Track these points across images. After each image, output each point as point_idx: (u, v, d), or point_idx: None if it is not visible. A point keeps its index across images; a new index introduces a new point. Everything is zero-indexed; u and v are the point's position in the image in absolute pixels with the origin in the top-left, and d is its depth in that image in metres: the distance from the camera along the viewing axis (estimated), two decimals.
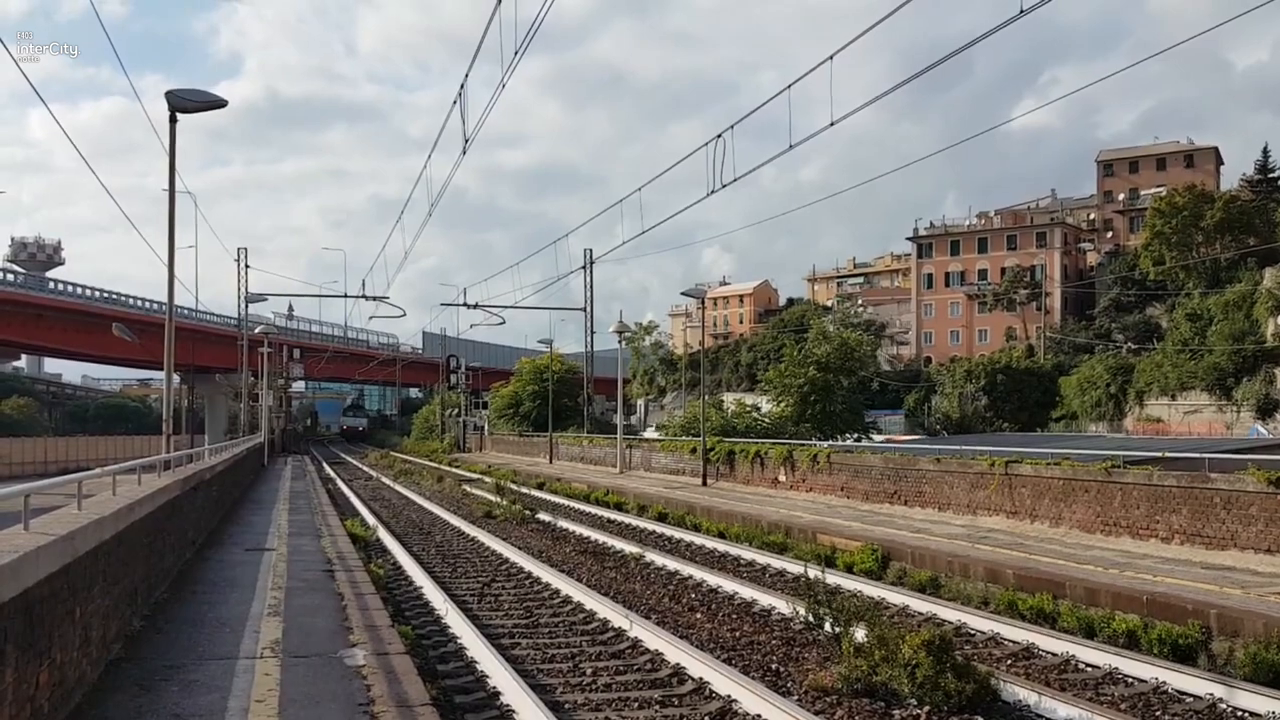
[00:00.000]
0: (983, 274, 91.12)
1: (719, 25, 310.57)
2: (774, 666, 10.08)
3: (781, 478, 27.40)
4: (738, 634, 11.62)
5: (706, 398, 39.04)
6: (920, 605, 13.02)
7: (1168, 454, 19.42)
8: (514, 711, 8.46)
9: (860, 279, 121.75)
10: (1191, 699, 8.98)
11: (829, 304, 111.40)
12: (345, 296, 53.79)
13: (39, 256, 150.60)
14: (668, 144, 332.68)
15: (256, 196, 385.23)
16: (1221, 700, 8.79)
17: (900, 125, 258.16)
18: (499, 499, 27.46)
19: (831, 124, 16.18)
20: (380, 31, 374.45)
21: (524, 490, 33.01)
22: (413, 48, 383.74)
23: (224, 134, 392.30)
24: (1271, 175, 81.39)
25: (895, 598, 13.52)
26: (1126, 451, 19.21)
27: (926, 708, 8.34)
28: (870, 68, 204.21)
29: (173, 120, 16.62)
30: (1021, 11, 12.46)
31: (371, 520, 24.15)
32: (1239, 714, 8.56)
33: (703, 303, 37.97)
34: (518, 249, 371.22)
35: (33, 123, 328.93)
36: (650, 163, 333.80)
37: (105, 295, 75.68)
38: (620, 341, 43.96)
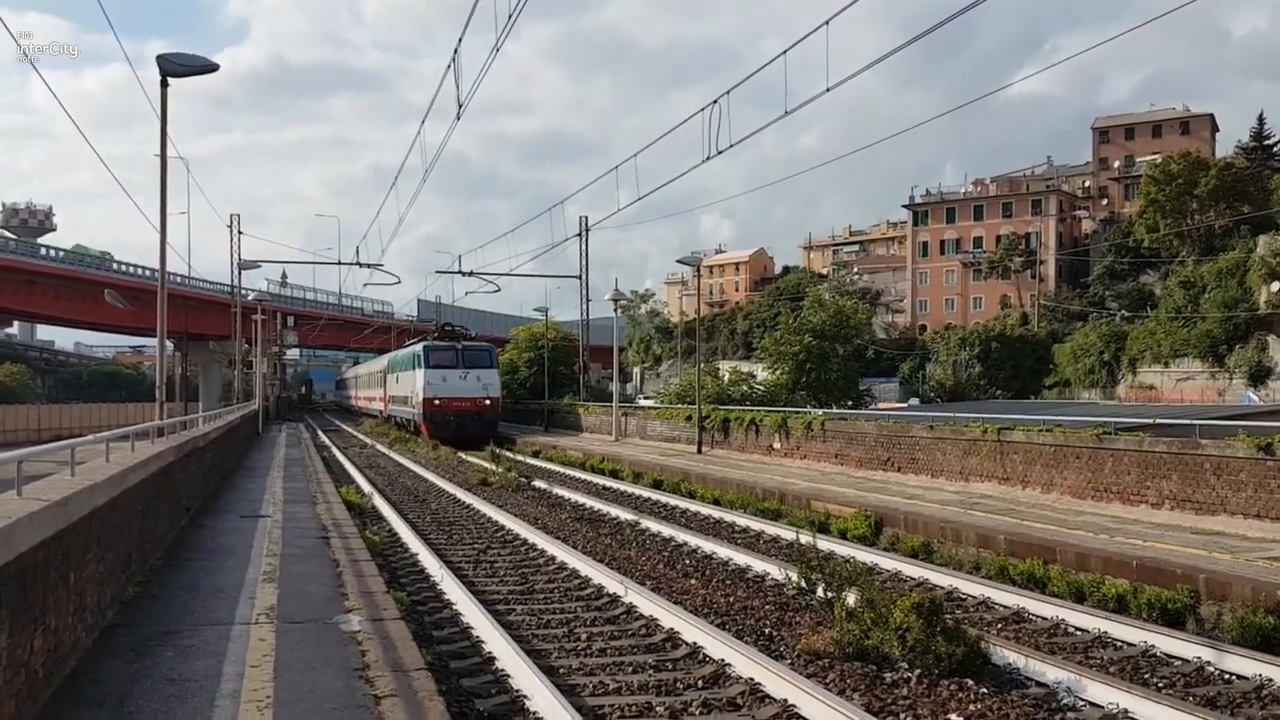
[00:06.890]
0: (978, 242, 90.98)
1: None
2: (767, 631, 10.15)
3: (776, 445, 27.48)
4: (731, 599, 11.69)
5: (702, 366, 39.05)
6: (912, 571, 13.11)
7: (1159, 420, 19.50)
8: (508, 675, 8.52)
9: (856, 247, 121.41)
10: (1180, 662, 9.06)
11: (824, 272, 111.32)
12: (340, 264, 53.11)
13: (30, 222, 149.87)
14: (671, 112, 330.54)
15: (259, 163, 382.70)
16: (1209, 663, 8.87)
17: (904, 93, 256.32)
18: (495, 466, 27.51)
19: (827, 90, 16.07)
20: None
21: (519, 458, 33.08)
22: (418, 14, 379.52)
23: (229, 101, 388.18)
24: (1266, 142, 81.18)
25: (888, 563, 13.60)
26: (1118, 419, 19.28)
27: (917, 671, 8.41)
28: (877, 35, 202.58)
29: (164, 85, 16.41)
30: None
31: (367, 488, 24.17)
32: (1226, 676, 8.64)
33: (698, 270, 37.87)
34: (518, 217, 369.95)
35: (34, 88, 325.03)
36: (654, 131, 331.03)
37: (98, 261, 75.32)
38: (615, 310, 43.83)
